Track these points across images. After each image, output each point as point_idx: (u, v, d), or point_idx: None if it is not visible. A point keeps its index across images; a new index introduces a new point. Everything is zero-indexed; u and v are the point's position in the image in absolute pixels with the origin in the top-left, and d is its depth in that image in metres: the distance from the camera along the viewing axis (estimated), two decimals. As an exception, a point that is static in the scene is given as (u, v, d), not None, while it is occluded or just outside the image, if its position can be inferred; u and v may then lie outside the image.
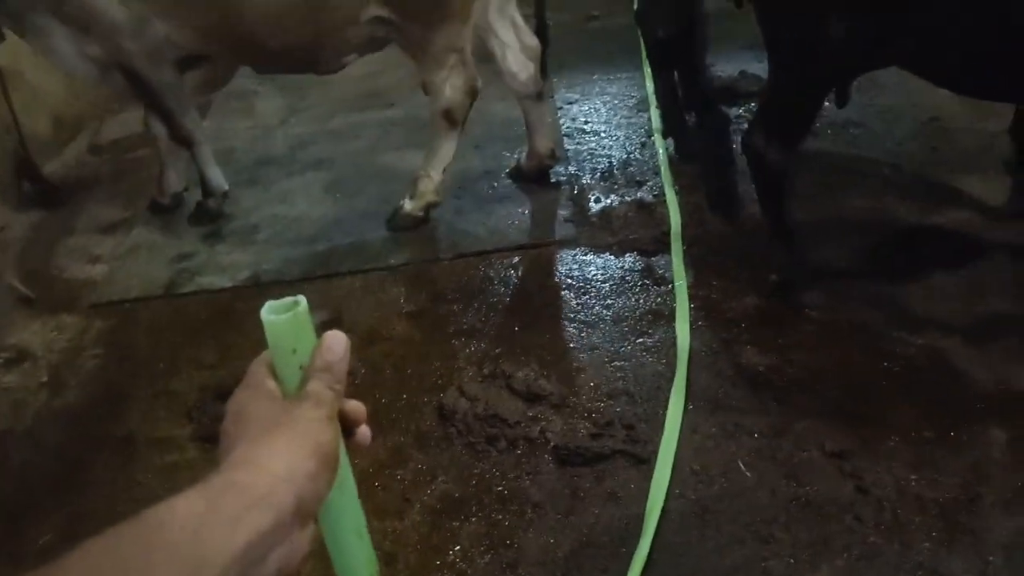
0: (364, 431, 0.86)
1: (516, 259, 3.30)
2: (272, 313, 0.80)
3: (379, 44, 3.46)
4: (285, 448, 0.73)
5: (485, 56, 5.01)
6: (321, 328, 2.66)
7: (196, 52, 3.47)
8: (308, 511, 0.73)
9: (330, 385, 0.79)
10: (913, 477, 2.21)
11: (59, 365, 3.02)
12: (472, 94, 3.41)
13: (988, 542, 2.02)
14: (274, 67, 3.71)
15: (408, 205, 3.56)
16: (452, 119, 3.42)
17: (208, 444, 2.58)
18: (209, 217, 3.79)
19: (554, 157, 3.77)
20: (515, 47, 3.59)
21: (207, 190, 3.77)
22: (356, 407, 0.86)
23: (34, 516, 2.43)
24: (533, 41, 3.63)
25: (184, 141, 3.68)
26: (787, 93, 2.74)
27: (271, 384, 0.79)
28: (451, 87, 3.36)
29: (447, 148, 3.49)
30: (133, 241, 3.76)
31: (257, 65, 3.65)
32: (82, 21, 3.32)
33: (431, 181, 3.51)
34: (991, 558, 1.99)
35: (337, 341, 0.81)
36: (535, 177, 3.77)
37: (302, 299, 0.81)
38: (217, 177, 3.78)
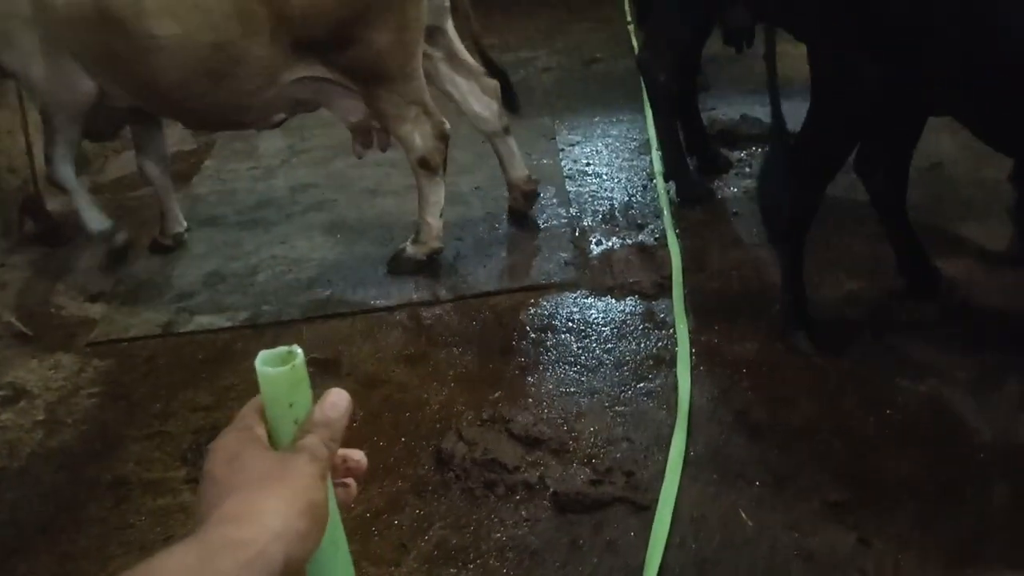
0: (352, 487, 0.85)
1: (516, 302, 3.30)
2: (267, 363, 0.79)
3: (312, 105, 3.51)
4: (280, 504, 0.72)
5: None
6: (320, 365, 2.64)
7: (131, 106, 3.55)
8: (294, 570, 0.73)
9: (326, 442, 0.78)
10: (915, 530, 2.17)
11: (55, 404, 3.00)
12: (443, 138, 3.44)
13: (994, 597, 1.99)
14: (201, 125, 3.80)
15: (410, 249, 3.56)
16: (429, 166, 3.44)
17: (202, 487, 2.55)
18: (116, 257, 3.80)
19: (531, 181, 3.82)
20: (474, 89, 3.65)
21: (101, 235, 3.80)
22: (358, 461, 0.85)
23: (25, 556, 2.40)
24: (491, 81, 3.69)
25: (56, 185, 3.77)
26: (822, 134, 2.73)
27: (261, 431, 0.78)
28: (420, 136, 3.39)
29: (435, 194, 3.51)
30: (133, 280, 3.76)
31: (186, 122, 3.71)
32: (23, 74, 3.47)
33: (431, 228, 3.52)
34: (997, 614, 1.95)
35: (341, 397, 0.81)
36: (524, 207, 3.81)
37: (298, 350, 0.79)
38: (95, 219, 3.80)
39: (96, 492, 2.59)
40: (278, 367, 0.78)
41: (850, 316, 3.00)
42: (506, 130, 3.73)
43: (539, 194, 3.87)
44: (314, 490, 0.74)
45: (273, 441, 0.79)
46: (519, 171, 3.80)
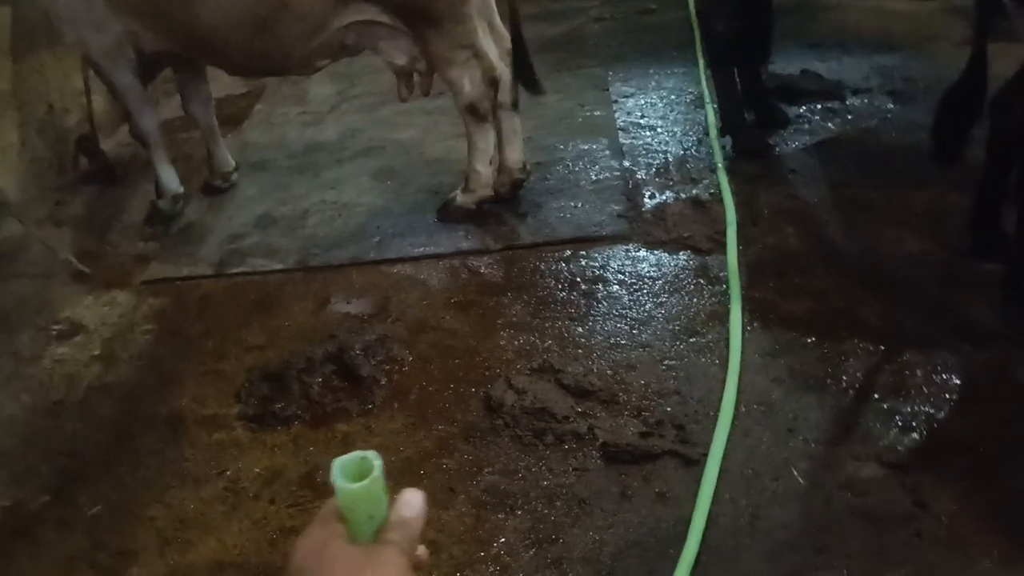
0: None
1: (567, 253, 3.27)
2: (344, 472, 0.78)
3: (356, 49, 3.41)
4: None
5: (539, 48, 4.98)
6: (366, 320, 2.60)
7: (166, 52, 3.49)
8: None
9: (407, 539, 0.79)
10: (973, 493, 2.14)
11: (111, 340, 3.06)
12: (493, 84, 3.35)
13: (1052, 563, 1.96)
14: (243, 72, 3.76)
15: (460, 198, 3.54)
16: (478, 113, 3.37)
17: (254, 425, 2.59)
18: (162, 218, 3.76)
19: (525, 170, 3.61)
20: (493, 52, 3.40)
21: (159, 191, 3.77)
22: (420, 557, 0.85)
23: (85, 486, 2.46)
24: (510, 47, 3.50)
25: (139, 139, 3.73)
26: None
27: (343, 529, 0.79)
28: (470, 82, 3.30)
29: (484, 141, 3.45)
30: (186, 220, 3.80)
31: (227, 69, 3.66)
32: (53, 11, 3.41)
33: (480, 176, 3.49)
34: (1055, 580, 1.92)
35: (415, 497, 0.83)
36: (508, 193, 3.59)
37: (374, 460, 0.79)
38: (170, 179, 3.77)
39: (152, 426, 2.65)
40: (354, 481, 0.78)
41: (913, 276, 2.92)
42: (515, 105, 3.53)
43: (524, 183, 3.63)
44: None
45: (352, 541, 0.80)
46: (517, 154, 3.57)
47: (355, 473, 0.79)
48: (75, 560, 2.25)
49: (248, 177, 4.09)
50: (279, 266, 3.41)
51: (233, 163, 4.03)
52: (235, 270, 3.41)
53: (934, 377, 2.50)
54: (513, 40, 3.48)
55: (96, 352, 3.01)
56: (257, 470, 2.43)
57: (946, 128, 2.97)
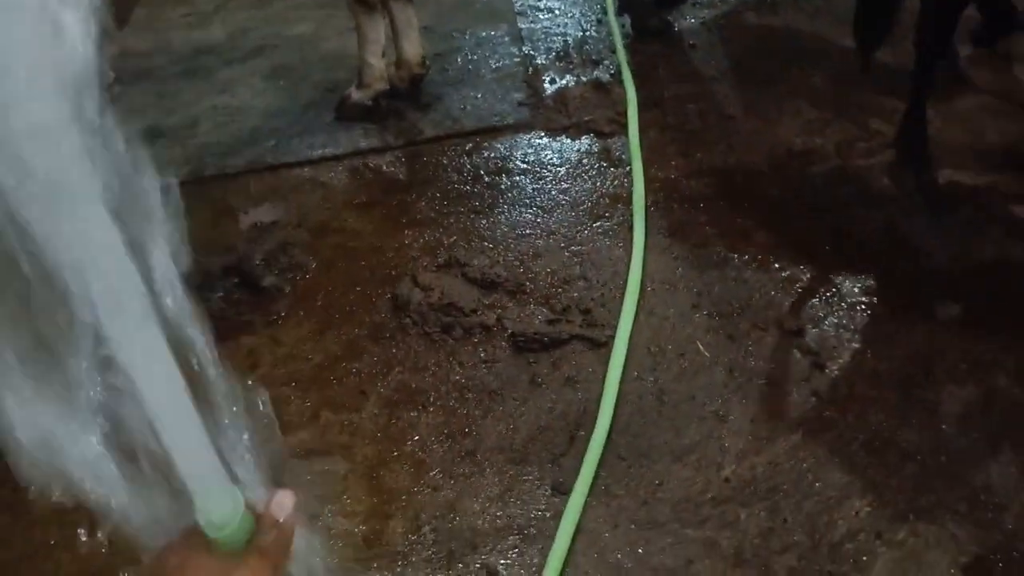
0: None
1: (469, 145, 3.19)
2: (209, 511, 0.71)
3: None
4: None
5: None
6: (265, 228, 2.48)
7: None
8: None
9: (278, 542, 0.74)
10: (868, 352, 2.21)
11: None
12: None
13: (941, 413, 2.05)
14: None
15: (356, 94, 3.40)
16: (365, 2, 3.21)
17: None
18: None
19: (425, 65, 3.46)
20: None
21: None
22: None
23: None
24: None
25: None
26: None
27: (206, 541, 0.73)
28: None
29: (373, 32, 3.29)
30: (66, 137, 3.58)
31: None
32: None
33: (373, 68, 3.34)
34: (944, 427, 2.01)
35: (286, 497, 0.77)
36: (408, 89, 3.45)
37: (238, 497, 0.72)
38: None
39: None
40: (222, 515, 0.72)
41: (811, 146, 2.94)
42: None
43: (424, 77, 3.48)
44: None
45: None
46: (414, 47, 3.40)
47: (220, 505, 0.73)
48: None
49: (130, 87, 3.85)
50: (170, 179, 3.25)
51: (112, 74, 3.78)
52: (124, 186, 3.25)
53: (831, 243, 2.55)
54: None
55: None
56: (160, 389, 2.37)
57: (866, 29, 2.87)
